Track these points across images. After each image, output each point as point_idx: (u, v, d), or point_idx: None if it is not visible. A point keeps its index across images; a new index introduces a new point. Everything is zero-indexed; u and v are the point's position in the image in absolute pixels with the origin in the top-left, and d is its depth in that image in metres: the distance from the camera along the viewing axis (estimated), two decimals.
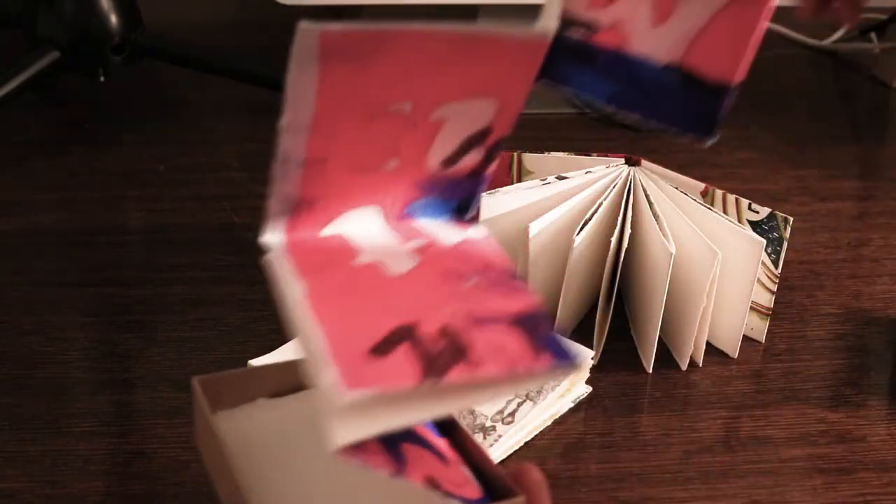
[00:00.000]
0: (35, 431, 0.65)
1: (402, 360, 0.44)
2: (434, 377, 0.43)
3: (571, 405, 0.69)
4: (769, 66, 1.18)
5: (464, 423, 0.64)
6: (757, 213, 0.72)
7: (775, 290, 0.74)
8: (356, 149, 0.49)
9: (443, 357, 0.44)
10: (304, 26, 0.44)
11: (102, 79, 0.96)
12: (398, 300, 0.46)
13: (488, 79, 0.50)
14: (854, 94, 1.14)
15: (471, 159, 0.53)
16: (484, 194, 0.71)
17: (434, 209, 0.54)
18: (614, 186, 0.74)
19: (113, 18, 0.95)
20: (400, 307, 0.46)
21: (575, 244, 0.69)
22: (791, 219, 0.71)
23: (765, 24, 0.53)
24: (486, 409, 0.65)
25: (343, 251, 0.50)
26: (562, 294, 0.71)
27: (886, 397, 0.71)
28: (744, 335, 0.74)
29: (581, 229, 0.70)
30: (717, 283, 0.70)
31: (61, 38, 0.94)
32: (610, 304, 0.73)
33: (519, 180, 0.77)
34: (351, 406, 0.42)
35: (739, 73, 0.54)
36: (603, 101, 0.57)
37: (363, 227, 0.52)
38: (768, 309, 0.75)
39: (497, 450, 0.63)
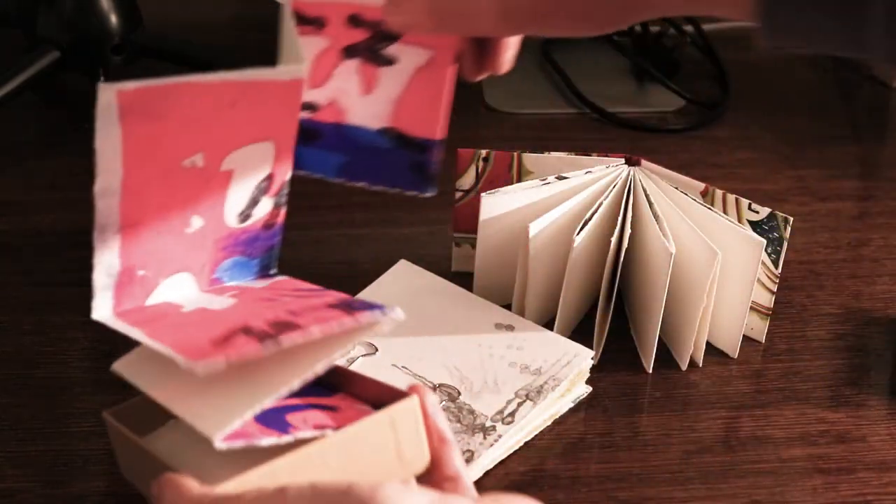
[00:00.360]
0: (35, 431, 0.65)
1: (242, 341, 0.49)
2: (271, 341, 0.49)
3: (571, 405, 0.69)
4: (769, 66, 1.18)
5: (464, 423, 0.64)
6: (757, 213, 0.72)
7: (775, 290, 0.74)
8: (162, 210, 0.54)
9: (275, 330, 0.50)
10: (103, 86, 0.48)
11: (102, 79, 0.96)
12: (227, 317, 0.50)
13: (262, 122, 0.56)
14: (854, 94, 1.14)
15: (262, 210, 0.59)
16: (484, 194, 0.72)
17: (240, 270, 0.60)
18: (614, 186, 0.74)
19: (113, 18, 0.95)
20: (230, 319, 0.51)
21: (575, 244, 0.69)
22: (791, 219, 0.71)
23: (451, 85, 0.61)
24: (486, 409, 0.65)
25: (170, 307, 0.56)
26: (562, 294, 0.71)
27: (886, 397, 0.71)
28: (744, 335, 0.74)
29: (581, 229, 0.70)
30: (717, 283, 0.70)
31: (61, 38, 0.94)
32: (610, 304, 0.73)
33: (519, 180, 0.77)
34: (217, 401, 0.49)
35: (440, 130, 0.62)
36: (333, 175, 0.64)
37: (181, 293, 0.57)
38: (768, 309, 0.75)
39: (497, 450, 0.63)
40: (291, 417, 0.52)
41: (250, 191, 0.58)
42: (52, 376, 0.68)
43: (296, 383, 0.50)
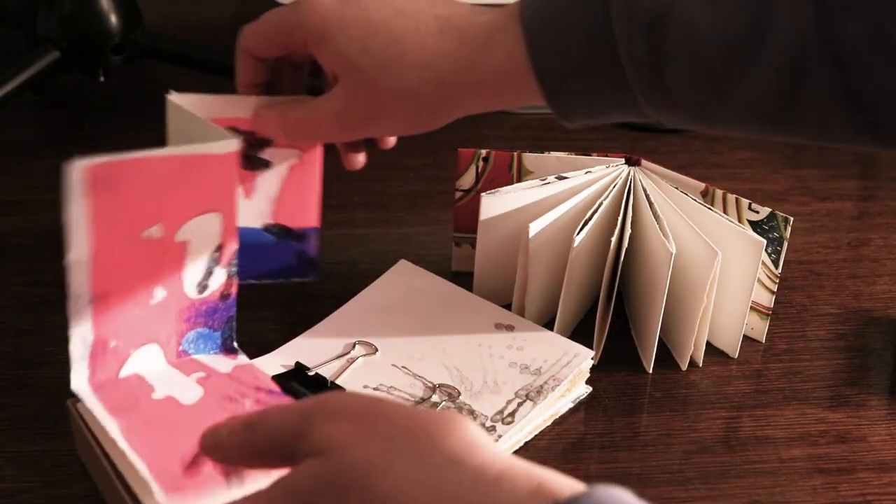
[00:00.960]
0: (35, 431, 0.65)
1: (210, 473, 0.54)
2: (236, 478, 0.54)
3: (571, 405, 0.69)
4: None
5: None
6: (757, 212, 0.72)
7: (775, 290, 0.74)
8: (128, 280, 0.58)
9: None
10: (70, 164, 0.53)
11: (102, 79, 0.96)
12: (195, 427, 0.53)
13: (208, 193, 0.61)
14: None
15: (217, 281, 0.64)
16: (484, 194, 0.72)
17: (204, 343, 0.65)
18: (614, 186, 0.74)
19: (113, 18, 0.95)
20: (197, 433, 0.54)
21: (575, 244, 0.69)
22: (791, 218, 0.71)
23: (321, 177, 0.69)
24: (486, 409, 0.65)
25: (141, 388, 0.60)
26: (562, 294, 0.71)
27: (886, 397, 0.71)
28: (744, 335, 0.74)
29: (581, 229, 0.70)
30: (717, 283, 0.70)
31: (61, 38, 0.94)
32: (610, 304, 0.73)
33: (519, 180, 0.77)
34: None
35: (316, 219, 0.70)
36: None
37: (150, 365, 0.62)
38: (768, 309, 0.75)
39: None
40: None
41: (205, 261, 0.63)
42: (52, 376, 0.67)
43: None
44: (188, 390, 0.61)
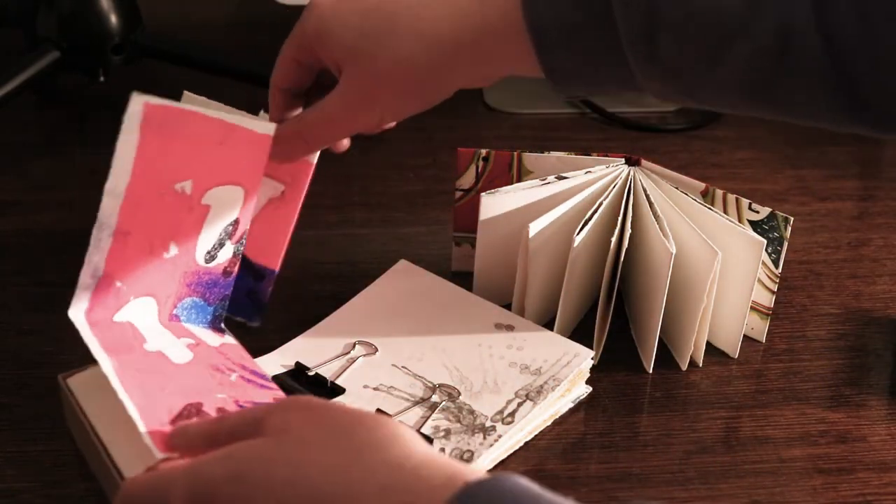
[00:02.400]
0: (35, 431, 0.65)
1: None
2: None
3: (571, 405, 0.69)
4: None
5: (464, 423, 0.64)
6: (757, 212, 0.72)
7: (775, 290, 0.74)
8: (150, 226, 0.60)
9: None
10: (135, 96, 0.55)
11: (102, 79, 0.96)
12: (184, 384, 0.57)
13: (239, 165, 0.63)
14: None
15: (224, 255, 0.65)
16: (484, 194, 0.72)
17: (196, 314, 0.66)
18: (614, 186, 0.74)
19: (113, 18, 0.95)
20: (186, 390, 0.58)
21: (575, 244, 0.69)
22: (791, 218, 0.71)
23: (294, 222, 0.69)
24: (486, 409, 0.65)
25: (134, 336, 0.61)
26: (562, 294, 0.71)
27: (886, 397, 0.71)
28: (744, 335, 0.74)
29: (581, 229, 0.70)
30: (717, 283, 0.70)
31: (61, 38, 0.94)
32: (610, 304, 0.73)
33: (519, 180, 0.77)
34: None
35: (279, 262, 0.70)
36: None
37: (144, 319, 0.62)
38: (768, 309, 0.75)
39: (497, 450, 0.63)
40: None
41: (219, 232, 0.64)
42: (52, 376, 0.67)
43: None
44: (179, 351, 0.62)
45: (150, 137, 0.57)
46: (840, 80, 0.51)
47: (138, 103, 0.55)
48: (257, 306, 0.70)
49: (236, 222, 0.65)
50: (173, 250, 0.62)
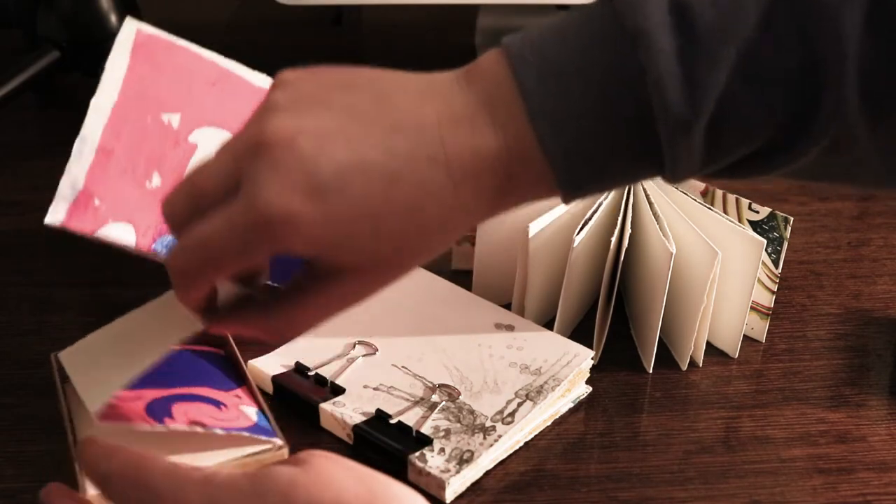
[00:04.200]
0: (35, 431, 0.65)
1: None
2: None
3: (571, 405, 0.69)
4: None
5: (464, 423, 0.64)
6: (757, 212, 0.72)
7: (775, 290, 0.74)
8: (134, 150, 0.59)
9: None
10: (129, 20, 0.57)
11: None
12: None
13: (230, 111, 0.62)
14: None
15: None
16: None
17: None
18: None
19: (113, 18, 0.95)
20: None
21: (575, 244, 0.69)
22: (791, 218, 0.71)
23: None
24: (486, 409, 0.65)
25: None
26: (562, 294, 0.71)
27: (886, 397, 0.71)
28: (744, 335, 0.74)
29: (581, 229, 0.70)
30: (717, 283, 0.70)
31: (61, 38, 0.94)
32: (610, 304, 0.73)
33: None
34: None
35: None
36: None
37: (121, 242, 0.62)
38: (768, 309, 0.75)
39: (497, 450, 0.63)
40: (176, 408, 0.57)
41: None
42: (53, 376, 0.67)
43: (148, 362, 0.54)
44: None
45: (140, 62, 0.57)
46: (880, 159, 0.48)
47: (131, 29, 0.55)
48: None
49: None
50: (156, 180, 0.61)
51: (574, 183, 0.48)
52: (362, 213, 0.46)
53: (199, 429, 0.57)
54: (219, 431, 0.57)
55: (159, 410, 0.58)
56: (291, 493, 0.46)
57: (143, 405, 0.57)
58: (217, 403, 0.61)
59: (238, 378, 0.65)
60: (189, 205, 0.48)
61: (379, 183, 0.46)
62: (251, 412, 0.61)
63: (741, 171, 0.49)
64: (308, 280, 0.50)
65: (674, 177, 0.48)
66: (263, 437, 0.59)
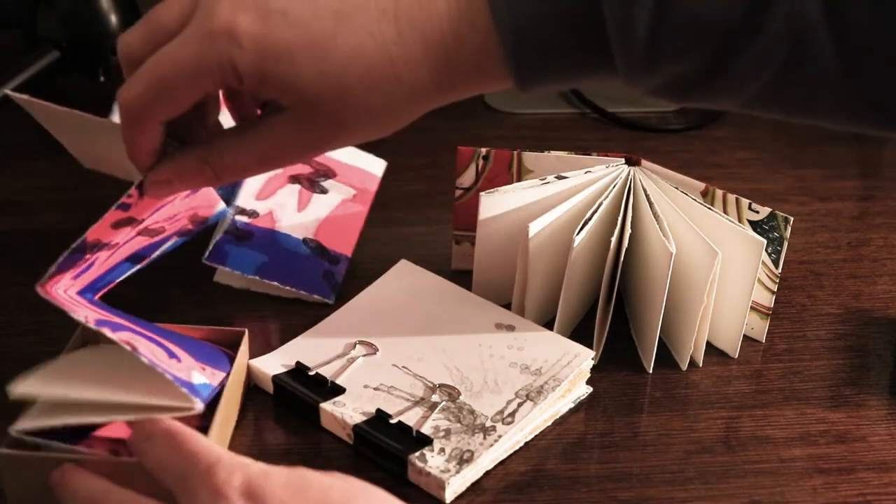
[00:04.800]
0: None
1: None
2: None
3: (572, 405, 0.69)
4: None
5: (464, 423, 0.64)
6: (757, 212, 0.72)
7: (775, 290, 0.74)
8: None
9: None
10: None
11: (102, 79, 0.96)
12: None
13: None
14: None
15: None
16: (483, 193, 0.72)
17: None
18: (614, 186, 0.74)
19: (113, 18, 0.95)
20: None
21: (575, 244, 0.69)
22: (791, 218, 0.71)
23: (365, 217, 0.80)
24: (487, 409, 0.65)
25: None
26: (562, 294, 0.71)
27: (886, 397, 0.71)
28: (744, 335, 0.74)
29: (581, 229, 0.70)
30: (717, 283, 0.70)
31: (61, 38, 0.94)
32: (610, 304, 0.73)
33: (519, 179, 0.77)
34: None
35: (350, 250, 0.79)
36: (252, 272, 0.74)
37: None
38: (768, 309, 0.75)
39: (497, 450, 0.63)
40: (121, 331, 0.57)
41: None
42: None
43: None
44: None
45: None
46: (853, 81, 0.49)
47: None
48: (332, 285, 0.76)
49: None
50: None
51: (520, 54, 0.50)
52: (305, 41, 0.49)
53: (126, 347, 0.54)
54: (144, 360, 0.54)
55: (105, 321, 0.57)
56: (329, 493, 0.48)
57: (93, 308, 0.58)
58: (172, 354, 0.59)
59: (222, 366, 0.64)
60: (146, 39, 0.51)
61: (326, 19, 0.49)
62: (200, 378, 0.59)
63: (696, 86, 0.50)
64: (252, 122, 0.54)
65: (622, 70, 0.50)
66: (185, 391, 0.55)
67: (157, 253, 0.64)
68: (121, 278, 0.63)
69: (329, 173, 0.80)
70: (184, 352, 0.61)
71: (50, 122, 0.62)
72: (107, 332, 0.56)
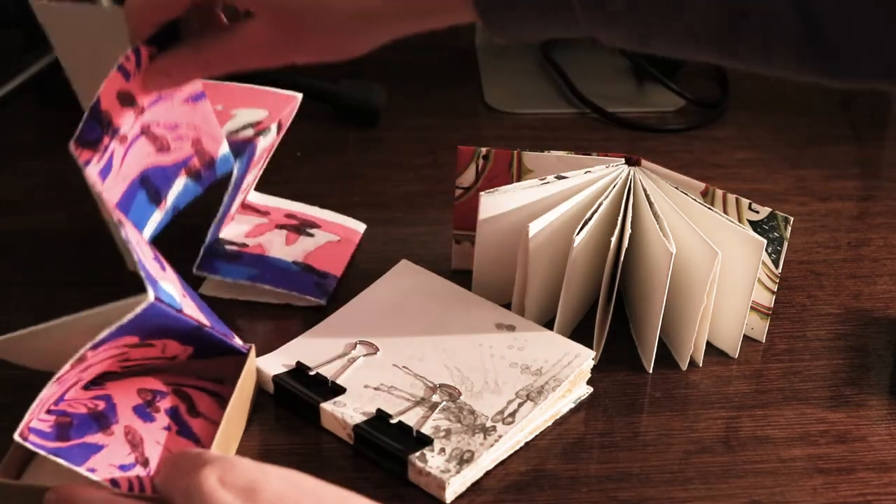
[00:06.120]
0: None
1: None
2: None
3: (572, 405, 0.69)
4: None
5: (464, 423, 0.64)
6: (757, 212, 0.72)
7: (775, 290, 0.74)
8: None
9: None
10: None
11: None
12: None
13: None
14: (854, 94, 1.14)
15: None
16: (483, 193, 0.72)
17: None
18: (614, 186, 0.74)
19: None
20: None
21: (575, 244, 0.69)
22: (791, 218, 0.71)
23: (352, 252, 0.82)
24: (487, 409, 0.65)
25: None
26: (562, 294, 0.71)
27: (886, 397, 0.71)
28: (744, 335, 0.74)
29: (581, 229, 0.70)
30: (717, 283, 0.70)
31: None
32: (610, 304, 0.73)
33: (519, 178, 0.77)
34: None
35: (341, 272, 0.80)
36: (245, 279, 0.76)
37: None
38: (768, 309, 0.75)
39: (497, 450, 0.63)
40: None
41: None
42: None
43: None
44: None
45: None
46: (802, 28, 0.50)
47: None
48: (323, 292, 0.77)
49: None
50: None
51: None
52: None
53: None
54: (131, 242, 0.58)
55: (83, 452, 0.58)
56: (350, 497, 0.49)
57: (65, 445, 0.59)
58: (163, 267, 0.61)
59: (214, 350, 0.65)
60: None
61: None
62: (170, 290, 0.59)
63: (657, 35, 0.53)
64: (231, 26, 0.61)
65: (579, 13, 0.53)
66: (139, 296, 0.56)
67: (170, 192, 0.66)
68: (147, 226, 0.65)
69: (314, 224, 0.83)
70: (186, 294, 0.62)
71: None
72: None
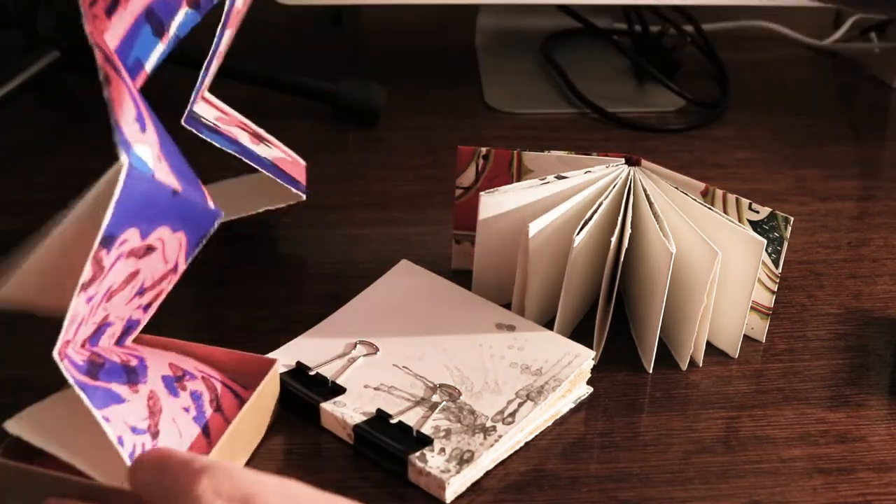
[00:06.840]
0: None
1: None
2: None
3: (572, 405, 0.69)
4: (769, 66, 1.18)
5: (464, 423, 0.64)
6: (757, 212, 0.72)
7: (775, 290, 0.74)
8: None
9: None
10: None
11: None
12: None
13: None
14: (854, 94, 1.14)
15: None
16: (483, 193, 0.72)
17: None
18: (614, 186, 0.74)
19: None
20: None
21: (575, 244, 0.69)
22: (792, 218, 0.71)
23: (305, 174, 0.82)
24: (487, 409, 0.65)
25: None
26: (562, 294, 0.71)
27: (886, 397, 0.71)
28: (744, 335, 0.74)
29: (581, 229, 0.70)
30: (717, 283, 0.70)
31: (61, 38, 0.94)
32: (610, 304, 0.73)
33: (519, 178, 0.77)
34: None
35: (305, 184, 0.81)
36: (229, 149, 0.75)
37: None
38: (768, 309, 0.75)
39: (497, 450, 0.63)
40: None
41: None
42: (53, 376, 0.67)
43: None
44: None
45: None
46: None
47: None
48: (300, 190, 0.80)
49: None
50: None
51: None
52: None
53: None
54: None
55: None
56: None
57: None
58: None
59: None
60: None
61: None
62: (144, 153, 0.59)
63: None
64: None
65: None
66: (116, 164, 0.56)
67: (172, 23, 0.67)
68: (149, 60, 0.66)
69: (266, 140, 0.82)
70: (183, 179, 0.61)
71: None
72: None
